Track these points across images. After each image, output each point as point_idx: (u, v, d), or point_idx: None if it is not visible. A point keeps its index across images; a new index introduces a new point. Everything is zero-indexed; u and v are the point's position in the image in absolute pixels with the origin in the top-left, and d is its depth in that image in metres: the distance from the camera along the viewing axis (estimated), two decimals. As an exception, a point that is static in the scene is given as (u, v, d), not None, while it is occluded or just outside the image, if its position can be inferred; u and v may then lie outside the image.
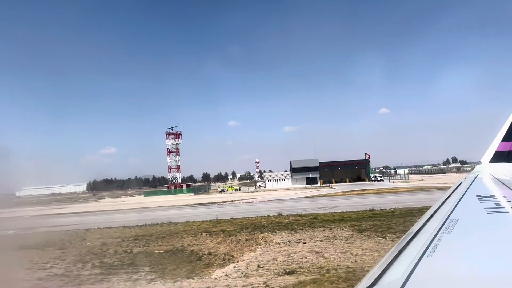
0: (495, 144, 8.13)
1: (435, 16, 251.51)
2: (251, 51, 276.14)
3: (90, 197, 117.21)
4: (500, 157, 7.93)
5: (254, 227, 24.96)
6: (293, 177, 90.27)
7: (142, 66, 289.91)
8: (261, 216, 30.74)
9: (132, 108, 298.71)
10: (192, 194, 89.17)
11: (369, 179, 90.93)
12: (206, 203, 54.30)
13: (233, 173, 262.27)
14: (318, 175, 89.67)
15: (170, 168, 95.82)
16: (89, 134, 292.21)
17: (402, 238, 2.16)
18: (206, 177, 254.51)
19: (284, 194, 66.12)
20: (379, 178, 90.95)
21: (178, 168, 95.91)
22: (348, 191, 59.14)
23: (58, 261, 18.42)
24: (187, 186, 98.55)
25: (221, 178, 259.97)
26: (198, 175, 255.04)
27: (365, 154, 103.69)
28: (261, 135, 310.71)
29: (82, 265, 16.94)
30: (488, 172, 6.71)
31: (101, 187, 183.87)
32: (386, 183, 79.71)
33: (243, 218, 30.61)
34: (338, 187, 72.63)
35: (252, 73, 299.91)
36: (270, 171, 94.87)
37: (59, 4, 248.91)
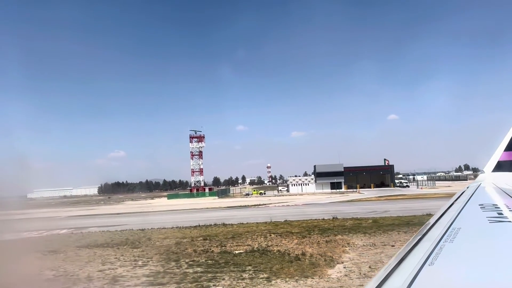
0: (498, 153, 8.13)
1: (448, 20, 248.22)
2: (259, 55, 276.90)
3: (105, 199, 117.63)
4: (502, 166, 7.94)
5: (320, 230, 24.71)
6: (317, 181, 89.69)
7: (151, 69, 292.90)
8: (316, 219, 30.49)
9: (140, 111, 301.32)
10: (216, 197, 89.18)
11: (394, 185, 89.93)
12: (241, 206, 54.21)
13: (243, 178, 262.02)
14: (342, 180, 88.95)
15: (193, 171, 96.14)
16: (97, 137, 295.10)
17: (404, 246, 2.16)
18: (216, 182, 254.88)
19: (315, 198, 65.68)
20: (404, 184, 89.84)
21: (201, 171, 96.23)
22: (382, 196, 58.45)
23: (144, 259, 18.43)
24: (209, 189, 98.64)
25: (232, 182, 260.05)
26: (207, 180, 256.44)
27: (385, 160, 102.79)
28: (269, 140, 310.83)
29: (175, 263, 16.92)
30: (491, 181, 6.69)
31: (112, 190, 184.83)
32: (414, 189, 78.64)
33: (298, 220, 30.37)
34: (367, 193, 71.86)
35: (260, 78, 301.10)
36: (295, 175, 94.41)
37: (73, 6, 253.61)
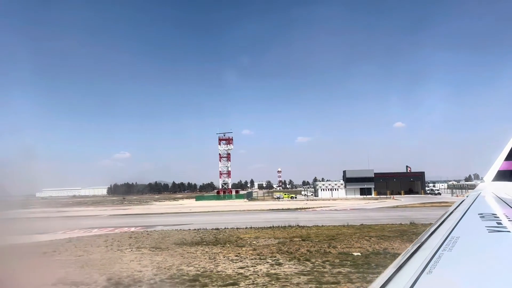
0: (498, 162, 8.08)
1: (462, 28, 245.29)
2: (264, 60, 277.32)
3: (120, 200, 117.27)
4: (503, 175, 7.91)
5: (416, 234, 24.25)
6: (347, 187, 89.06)
7: (157, 71, 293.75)
8: (394, 224, 30.08)
9: (146, 113, 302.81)
10: (245, 199, 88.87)
11: (424, 192, 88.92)
12: (287, 209, 53.87)
13: (251, 182, 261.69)
14: (372, 186, 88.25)
15: (221, 173, 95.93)
16: (103, 138, 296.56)
17: (402, 254, 2.15)
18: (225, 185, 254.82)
19: (353, 203, 65.07)
20: (436, 191, 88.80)
21: (228, 174, 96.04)
22: (425, 203, 57.69)
23: (268, 258, 18.13)
24: (236, 192, 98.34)
25: (241, 186, 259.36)
26: (215, 183, 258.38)
27: (407, 167, 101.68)
28: (274, 145, 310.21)
29: (310, 262, 16.59)
30: (491, 191, 6.71)
31: (122, 191, 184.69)
32: (448, 196, 77.58)
33: (377, 225, 29.95)
34: (403, 199, 71.10)
35: (265, 83, 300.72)
36: (323, 179, 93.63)
37: (80, 8, 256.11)
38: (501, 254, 2.11)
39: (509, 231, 2.72)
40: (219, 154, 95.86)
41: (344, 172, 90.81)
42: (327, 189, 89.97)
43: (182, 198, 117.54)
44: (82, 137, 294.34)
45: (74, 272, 15.97)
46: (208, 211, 54.62)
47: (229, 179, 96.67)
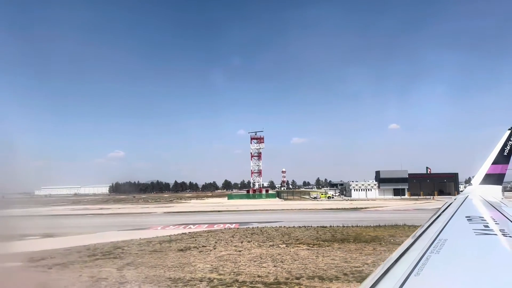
0: (486, 166, 8.37)
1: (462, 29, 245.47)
2: (258, 61, 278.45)
3: (135, 199, 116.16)
4: (490, 179, 8.22)
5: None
6: (380, 187, 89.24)
7: (152, 71, 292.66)
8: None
9: (141, 113, 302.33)
10: (277, 199, 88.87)
11: (458, 193, 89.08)
12: (336, 209, 53.97)
13: (253, 181, 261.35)
14: (406, 187, 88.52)
15: (252, 172, 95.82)
16: (97, 137, 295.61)
17: (390, 256, 2.17)
18: (227, 185, 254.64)
19: (394, 204, 65.20)
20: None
21: (260, 173, 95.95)
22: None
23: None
24: (266, 191, 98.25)
25: (244, 186, 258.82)
26: (218, 183, 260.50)
27: (427, 168, 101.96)
28: (269, 145, 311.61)
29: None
30: (478, 194, 6.84)
31: (124, 189, 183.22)
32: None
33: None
34: (446, 200, 71.17)
35: (261, 84, 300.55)
36: (354, 181, 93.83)
37: (74, 5, 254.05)
38: (488, 256, 2.17)
39: (495, 234, 2.83)
40: (250, 153, 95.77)
41: (378, 172, 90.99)
42: (360, 190, 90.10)
43: (192, 197, 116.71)
44: (75, 135, 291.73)
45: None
46: (264, 210, 54.46)
47: (260, 178, 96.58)
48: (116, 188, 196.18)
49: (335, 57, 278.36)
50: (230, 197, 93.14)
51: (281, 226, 30.76)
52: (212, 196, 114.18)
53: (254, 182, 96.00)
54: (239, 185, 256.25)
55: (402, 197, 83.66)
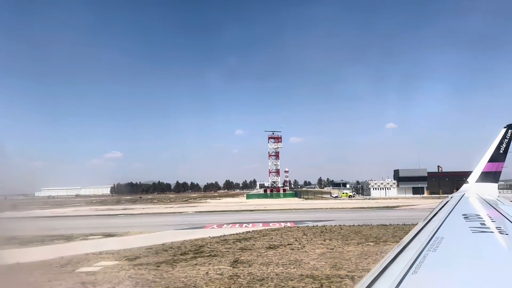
0: (482, 164, 8.44)
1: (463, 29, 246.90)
2: (256, 61, 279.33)
3: (139, 200, 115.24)
4: (486, 177, 8.31)
5: None
6: (399, 186, 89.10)
7: (150, 72, 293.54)
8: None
9: (137, 113, 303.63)
10: (296, 198, 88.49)
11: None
12: (375, 207, 53.59)
13: (254, 181, 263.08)
14: (426, 185, 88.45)
15: (270, 172, 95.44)
16: (95, 137, 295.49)
17: (388, 254, 2.16)
18: (229, 185, 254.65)
19: (420, 202, 65.00)
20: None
21: (277, 172, 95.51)
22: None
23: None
24: (283, 190, 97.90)
25: (247, 186, 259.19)
26: (220, 183, 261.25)
27: (438, 166, 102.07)
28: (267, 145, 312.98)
29: None
30: (475, 192, 6.89)
31: (125, 190, 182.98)
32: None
33: None
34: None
35: (259, 84, 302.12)
36: (373, 180, 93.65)
37: (72, 5, 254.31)
38: (484, 254, 2.17)
39: (492, 232, 2.84)
40: (268, 152, 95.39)
41: (397, 171, 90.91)
42: (379, 188, 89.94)
43: (202, 197, 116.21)
44: (70, 136, 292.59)
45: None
46: (297, 209, 54.01)
47: (278, 177, 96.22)
48: (118, 189, 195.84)
49: (334, 57, 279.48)
50: (249, 196, 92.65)
51: (340, 225, 30.16)
52: (222, 196, 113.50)
53: (275, 182, 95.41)
54: (240, 185, 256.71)
55: (423, 195, 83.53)
